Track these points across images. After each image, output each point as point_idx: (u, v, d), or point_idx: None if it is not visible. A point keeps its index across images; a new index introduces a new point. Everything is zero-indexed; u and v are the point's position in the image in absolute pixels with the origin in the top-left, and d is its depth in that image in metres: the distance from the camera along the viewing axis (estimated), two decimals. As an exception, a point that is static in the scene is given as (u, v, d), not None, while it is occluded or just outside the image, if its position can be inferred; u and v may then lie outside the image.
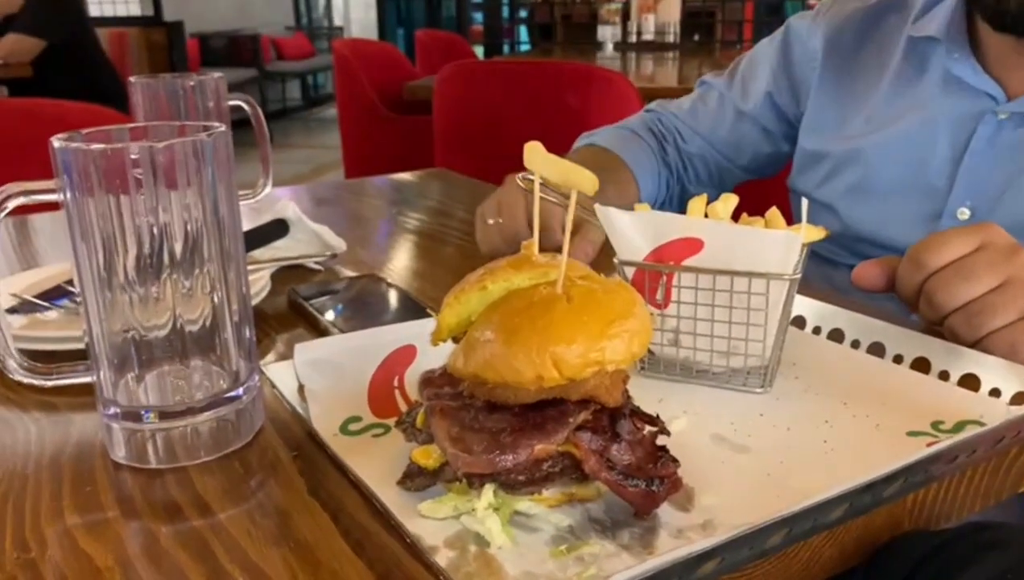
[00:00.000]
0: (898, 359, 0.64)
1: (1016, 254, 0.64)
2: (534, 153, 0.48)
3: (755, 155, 1.18)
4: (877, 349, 0.66)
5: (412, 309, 0.78)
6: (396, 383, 0.61)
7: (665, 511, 0.47)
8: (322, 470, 0.53)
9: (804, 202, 0.61)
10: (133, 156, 0.49)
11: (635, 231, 0.61)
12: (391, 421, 0.56)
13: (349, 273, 0.91)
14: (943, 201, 0.92)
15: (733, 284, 0.59)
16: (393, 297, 0.82)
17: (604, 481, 0.45)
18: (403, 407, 0.58)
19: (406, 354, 0.62)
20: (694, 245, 0.59)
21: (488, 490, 0.46)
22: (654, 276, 0.61)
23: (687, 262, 0.60)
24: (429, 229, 1.17)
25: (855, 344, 0.67)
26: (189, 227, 0.52)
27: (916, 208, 0.93)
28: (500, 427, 0.46)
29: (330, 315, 0.77)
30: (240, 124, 1.05)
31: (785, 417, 0.58)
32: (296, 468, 0.53)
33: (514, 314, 0.46)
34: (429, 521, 0.46)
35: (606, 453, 0.46)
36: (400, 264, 1.03)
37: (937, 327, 0.66)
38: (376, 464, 0.51)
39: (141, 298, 0.53)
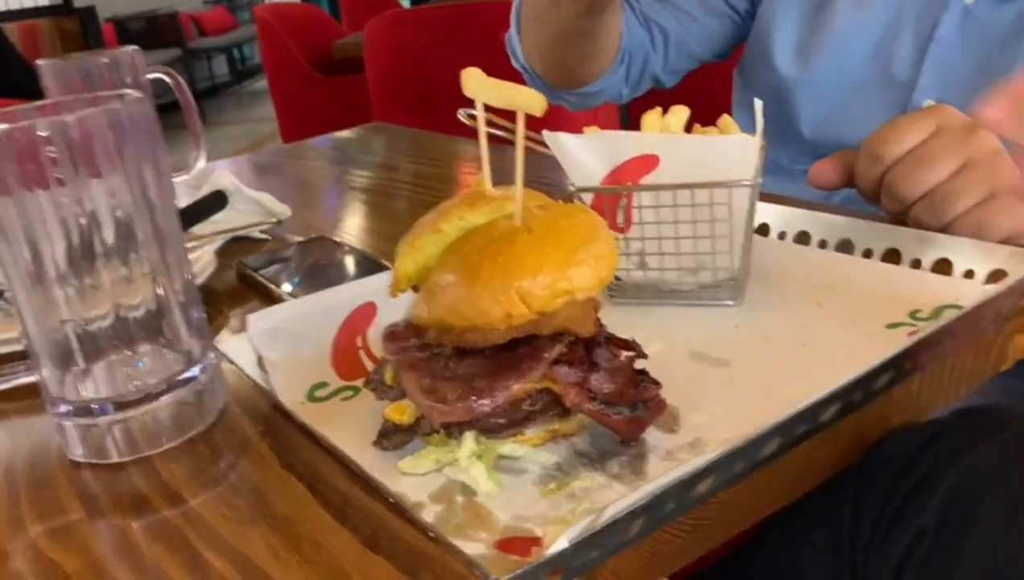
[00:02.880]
0: (868, 254, 0.63)
1: (973, 134, 0.63)
2: (473, 78, 0.45)
3: (720, 37, 1.09)
4: (846, 246, 0.65)
5: (367, 266, 0.76)
6: (360, 343, 0.58)
7: (652, 435, 0.45)
8: (293, 442, 0.50)
9: (758, 103, 0.58)
10: (42, 133, 0.45)
11: (588, 155, 0.58)
12: (359, 382, 0.54)
13: (299, 239, 0.88)
14: (908, 94, 0.90)
15: (694, 197, 0.57)
16: (346, 256, 0.79)
17: (587, 412, 0.44)
18: (369, 366, 0.56)
19: (366, 312, 0.59)
20: (650, 162, 0.57)
21: (468, 438, 0.44)
22: (613, 199, 0.59)
23: (644, 180, 0.58)
24: (376, 185, 1.13)
25: (823, 244, 0.66)
26: (118, 213, 0.49)
27: (882, 102, 0.91)
28: (473, 372, 0.44)
29: (283, 283, 0.73)
30: (169, 107, 0.99)
31: (761, 327, 0.56)
32: (266, 443, 0.51)
33: (473, 253, 0.44)
34: (411, 478, 0.44)
35: (585, 384, 0.44)
36: (351, 223, 1.00)
37: (902, 218, 0.65)
38: (349, 428, 0.49)
39: (77, 290, 0.49)
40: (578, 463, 0.45)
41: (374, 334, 0.58)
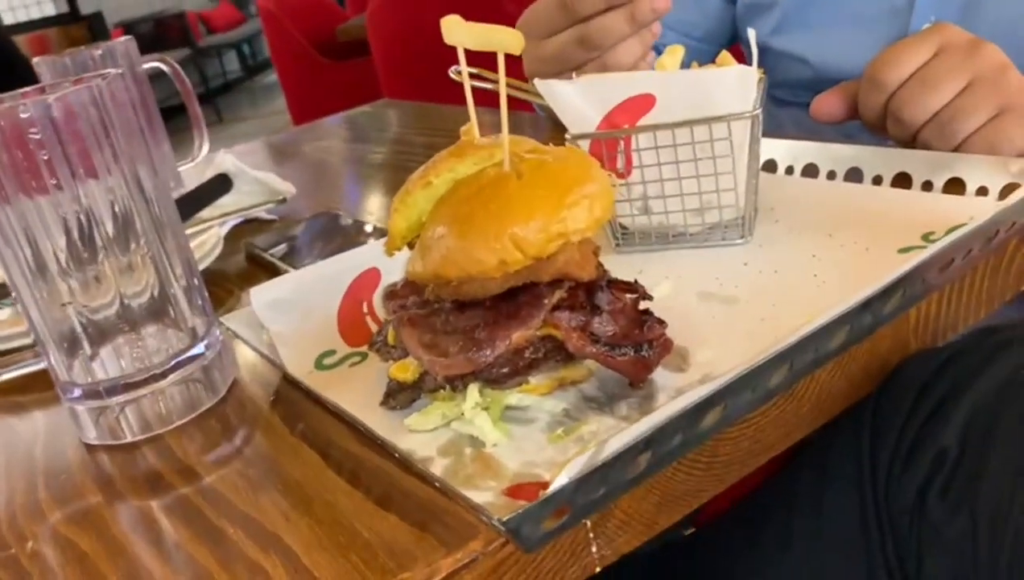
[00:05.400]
0: (877, 180, 0.61)
1: (976, 51, 0.61)
2: (451, 26, 0.44)
3: (726, 27, 1.08)
4: (855, 175, 0.63)
5: (374, 236, 0.75)
6: (365, 309, 0.58)
7: (661, 375, 0.45)
8: (304, 410, 0.50)
9: (751, 32, 0.57)
10: (24, 115, 0.45)
11: (582, 100, 0.57)
12: (366, 347, 0.53)
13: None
14: (907, 20, 0.87)
15: (694, 134, 0.55)
16: (353, 229, 0.79)
17: (591, 356, 0.43)
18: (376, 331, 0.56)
19: (370, 278, 0.59)
20: (646, 102, 0.56)
21: (473, 389, 0.43)
22: (611, 144, 0.58)
23: (642, 122, 0.56)
24: (389, 160, 1.13)
25: (831, 175, 0.64)
26: (116, 207, 0.49)
27: (881, 33, 0.89)
28: (473, 324, 0.43)
29: (292, 261, 0.73)
30: (181, 108, 0.98)
31: (770, 261, 0.55)
32: (277, 414, 0.51)
33: (464, 203, 0.43)
34: (419, 435, 0.44)
35: (588, 328, 0.43)
36: (367, 197, 0.99)
37: (910, 145, 0.63)
38: (358, 392, 0.49)
39: (80, 282, 0.49)
40: (586, 408, 0.44)
41: (379, 299, 0.58)
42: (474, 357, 0.42)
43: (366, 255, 0.60)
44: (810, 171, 0.66)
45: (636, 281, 0.47)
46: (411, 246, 0.47)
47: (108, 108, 0.48)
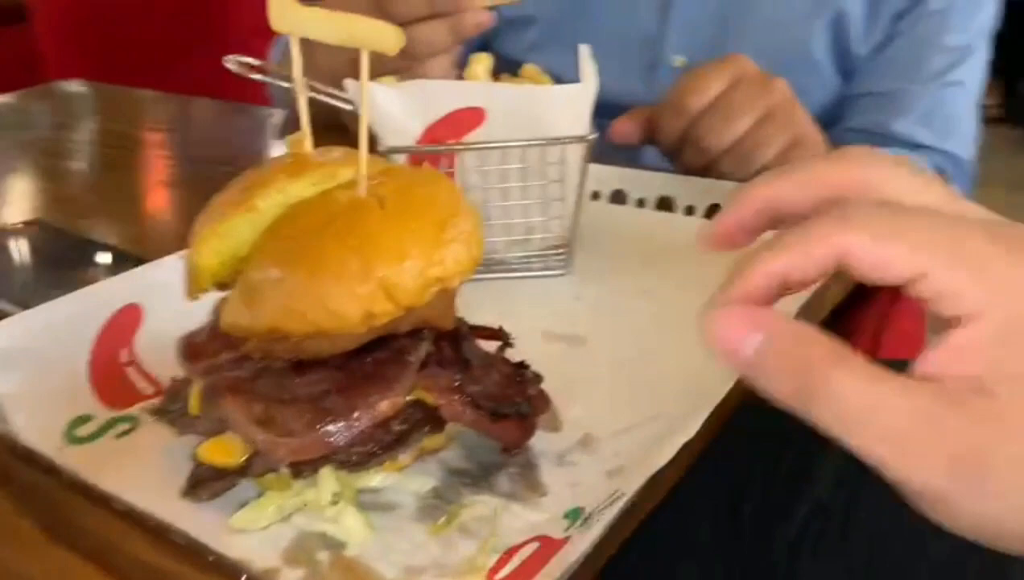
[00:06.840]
0: (690, 210, 0.61)
1: (769, 84, 0.63)
2: (283, 6, 0.34)
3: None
4: (666, 204, 0.62)
5: (121, 261, 0.60)
6: (125, 358, 0.45)
7: (536, 437, 0.39)
8: (54, 501, 0.37)
9: (583, 49, 0.53)
10: None
11: (402, 109, 0.49)
12: (136, 410, 0.41)
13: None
14: (657, 50, 0.89)
15: (526, 156, 0.50)
16: (81, 248, 0.63)
17: (470, 424, 0.36)
18: (144, 387, 0.43)
19: (128, 317, 0.46)
20: (475, 116, 0.49)
21: (328, 477, 0.34)
22: (433, 161, 0.51)
23: (470, 138, 0.50)
24: (87, 153, 0.94)
25: (641, 203, 0.62)
26: None
27: (634, 59, 0.90)
28: (320, 389, 0.34)
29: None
30: None
31: (602, 298, 0.52)
32: (12, 509, 0.37)
33: (310, 236, 0.34)
34: (248, 536, 0.34)
35: (464, 388, 0.36)
36: (64, 205, 0.81)
37: (702, 173, 0.64)
38: (134, 475, 0.37)
39: None
40: (459, 485, 0.37)
41: (145, 344, 0.45)
42: (330, 435, 0.33)
43: (120, 288, 0.47)
44: (617, 197, 0.63)
45: (501, 327, 0.40)
46: (222, 287, 0.37)
47: None
